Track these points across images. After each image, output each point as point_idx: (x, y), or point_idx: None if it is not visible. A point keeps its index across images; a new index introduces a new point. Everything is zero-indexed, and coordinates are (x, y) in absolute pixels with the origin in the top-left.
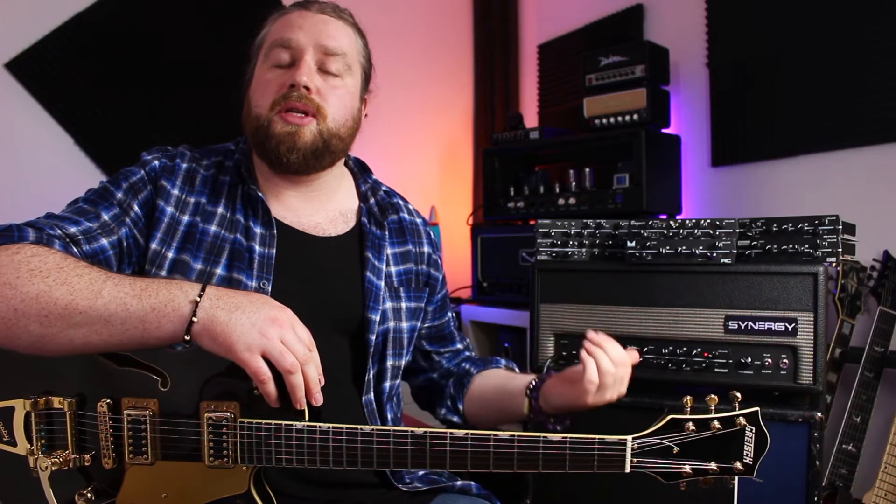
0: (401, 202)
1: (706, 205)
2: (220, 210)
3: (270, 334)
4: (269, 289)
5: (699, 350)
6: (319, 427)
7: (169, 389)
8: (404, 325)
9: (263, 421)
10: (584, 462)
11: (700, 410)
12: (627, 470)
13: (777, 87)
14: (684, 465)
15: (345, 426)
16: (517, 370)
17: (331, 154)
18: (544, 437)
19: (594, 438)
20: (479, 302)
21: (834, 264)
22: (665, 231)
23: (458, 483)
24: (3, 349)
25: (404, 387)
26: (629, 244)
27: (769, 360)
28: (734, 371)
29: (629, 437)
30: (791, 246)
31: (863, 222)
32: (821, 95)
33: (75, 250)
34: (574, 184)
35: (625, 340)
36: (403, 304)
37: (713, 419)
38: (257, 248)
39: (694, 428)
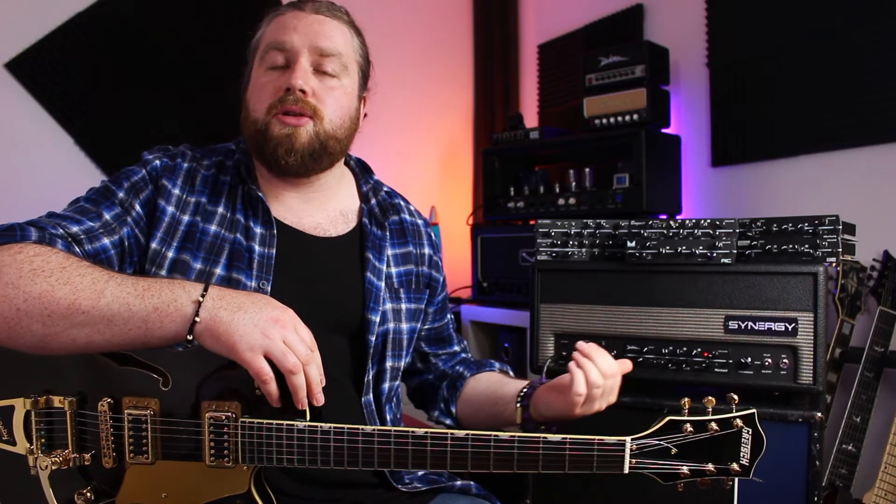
0: (402, 203)
1: (706, 205)
2: (221, 210)
3: (273, 334)
4: (269, 289)
5: (699, 350)
6: (321, 427)
7: (170, 389)
8: (404, 326)
9: (265, 421)
10: (584, 463)
11: (698, 412)
12: (626, 471)
13: (777, 87)
14: (682, 466)
15: (346, 426)
16: (511, 374)
17: (329, 155)
18: (544, 437)
19: (593, 439)
20: (479, 302)
21: (834, 264)
22: (665, 231)
23: (458, 483)
24: (3, 348)
25: (402, 386)
26: (629, 244)
27: (769, 360)
28: (734, 371)
29: (628, 438)
30: (791, 246)
31: (863, 222)
32: (821, 95)
33: (77, 250)
34: (574, 184)
35: (625, 340)
36: (403, 306)
37: (710, 421)
38: (257, 248)
39: (692, 429)
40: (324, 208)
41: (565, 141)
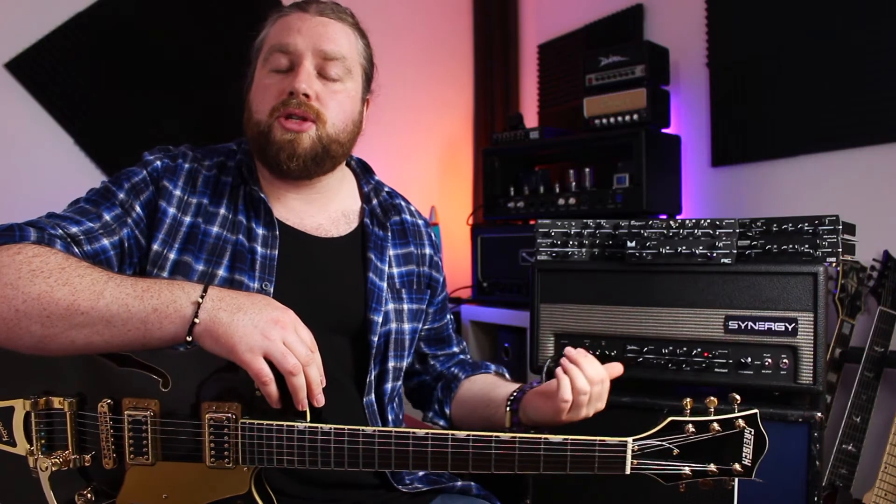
0: (403, 203)
1: (706, 205)
2: (222, 211)
3: (272, 336)
4: (272, 290)
5: (699, 350)
6: (321, 428)
7: (170, 390)
8: (406, 326)
9: (265, 422)
10: (585, 464)
11: (700, 412)
12: (628, 472)
13: (777, 88)
14: (684, 466)
15: (346, 427)
16: (507, 376)
17: (331, 159)
18: (545, 438)
19: (595, 440)
20: (479, 302)
21: (834, 264)
22: (665, 231)
23: (459, 483)
24: (3, 349)
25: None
26: (629, 244)
27: (769, 360)
28: (734, 371)
29: (630, 439)
30: (791, 246)
31: (863, 222)
32: (821, 95)
33: (76, 250)
34: (574, 184)
35: (625, 340)
36: (405, 306)
37: (712, 421)
38: (259, 249)
39: (694, 430)
40: (325, 209)
41: (565, 141)
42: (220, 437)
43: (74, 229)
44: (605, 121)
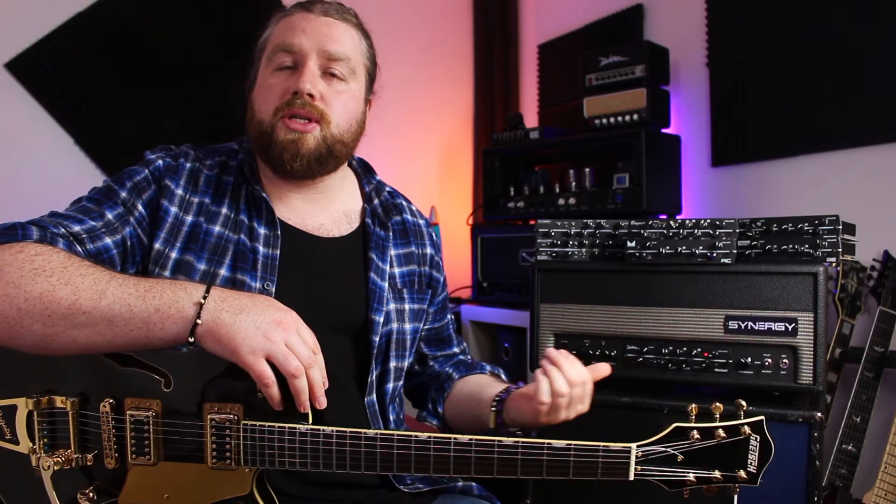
0: (404, 203)
1: (706, 205)
2: (224, 210)
3: (275, 337)
4: (273, 290)
5: (699, 350)
6: (323, 430)
7: (172, 390)
8: (407, 326)
9: (267, 423)
10: (588, 469)
11: (705, 418)
12: (631, 478)
13: (777, 88)
14: (688, 473)
15: (348, 430)
16: (503, 376)
17: (335, 159)
18: (548, 443)
19: (598, 446)
20: (479, 302)
21: (834, 264)
22: (665, 231)
23: (460, 484)
24: (6, 347)
25: None
26: (629, 244)
27: (769, 360)
28: (734, 371)
29: (633, 445)
30: (791, 246)
31: (863, 222)
32: (821, 95)
33: (79, 249)
34: (574, 184)
35: (625, 340)
36: (407, 306)
37: (718, 427)
38: (261, 248)
39: (699, 436)
40: (327, 209)
41: (565, 141)
42: (222, 438)
43: (77, 228)
44: (605, 121)
